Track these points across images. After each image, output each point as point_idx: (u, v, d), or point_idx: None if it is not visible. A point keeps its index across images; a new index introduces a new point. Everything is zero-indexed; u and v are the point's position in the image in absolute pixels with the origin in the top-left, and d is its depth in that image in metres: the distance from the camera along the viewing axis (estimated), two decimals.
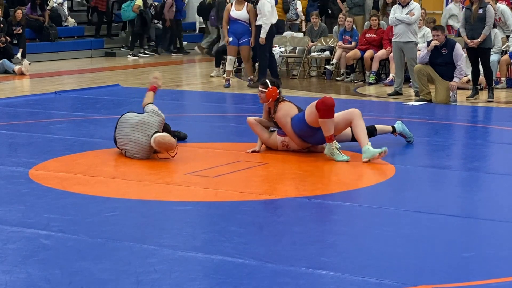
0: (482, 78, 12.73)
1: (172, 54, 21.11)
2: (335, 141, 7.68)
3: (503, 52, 14.05)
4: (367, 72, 14.94)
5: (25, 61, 16.74)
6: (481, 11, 12.13)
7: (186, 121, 9.96)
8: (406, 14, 12.53)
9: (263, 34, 13.63)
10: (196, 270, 4.63)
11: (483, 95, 12.60)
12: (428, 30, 13.81)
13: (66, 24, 20.73)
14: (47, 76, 15.93)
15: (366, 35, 15.15)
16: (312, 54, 16.03)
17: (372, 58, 14.76)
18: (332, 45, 15.86)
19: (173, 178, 7.10)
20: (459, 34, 13.04)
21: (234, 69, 15.87)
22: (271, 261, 4.71)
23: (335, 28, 16.16)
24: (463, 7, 14.54)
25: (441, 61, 11.80)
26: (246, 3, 13.99)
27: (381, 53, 14.72)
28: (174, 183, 6.83)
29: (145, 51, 20.46)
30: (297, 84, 14.85)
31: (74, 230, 5.35)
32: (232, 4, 14.10)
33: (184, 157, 7.71)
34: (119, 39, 21.55)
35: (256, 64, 14.84)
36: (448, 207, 6.09)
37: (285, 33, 16.94)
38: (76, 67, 17.66)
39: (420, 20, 13.53)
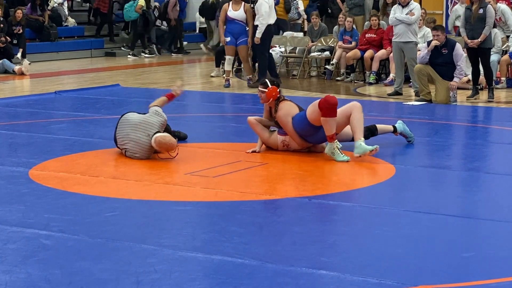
0: (482, 78, 12.73)
1: (172, 54, 21.12)
2: (336, 140, 7.69)
3: (503, 52, 14.05)
4: (367, 72, 14.94)
5: (25, 61, 16.74)
6: (481, 11, 12.13)
7: (186, 121, 9.96)
8: (406, 14, 12.53)
9: (258, 34, 13.66)
10: (196, 270, 4.63)
11: (483, 95, 12.60)
12: (428, 30, 13.81)
13: (66, 24, 20.74)
14: (47, 76, 15.93)
15: (366, 35, 15.15)
16: (312, 54, 16.03)
17: (372, 58, 14.76)
18: (332, 45, 15.86)
19: (173, 178, 7.10)
20: (459, 34, 13.04)
21: (234, 69, 15.88)
22: (271, 261, 4.71)
23: (335, 28, 16.16)
24: None
25: (441, 61, 11.80)
26: (243, 3, 14.00)
27: (381, 53, 14.72)
28: (174, 183, 6.83)
29: (147, 51, 20.44)
30: (297, 84, 14.85)
31: (74, 230, 5.35)
32: (229, 4, 14.11)
33: (184, 157, 7.71)
34: (119, 39, 21.55)
35: (256, 64, 14.85)
36: (448, 207, 6.09)
37: (285, 33, 16.93)
38: (76, 67, 17.66)
39: (420, 20, 13.53)
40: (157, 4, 21.38)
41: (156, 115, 7.79)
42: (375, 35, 15.05)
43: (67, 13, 20.94)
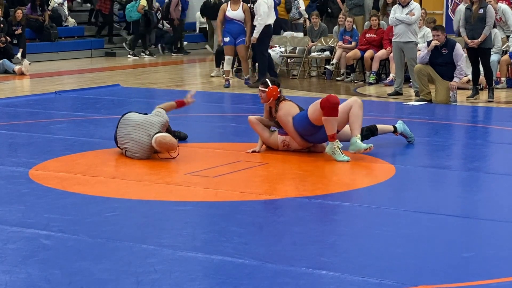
0: (482, 78, 12.73)
1: (172, 54, 21.13)
2: (337, 140, 7.69)
3: (503, 52, 14.05)
4: (367, 72, 14.94)
5: (25, 61, 16.74)
6: (481, 11, 12.13)
7: (186, 121, 9.95)
8: (406, 14, 12.53)
9: (255, 34, 13.69)
10: (196, 270, 4.63)
11: (483, 95, 12.59)
12: (428, 30, 13.81)
13: (66, 24, 20.73)
14: (47, 76, 15.93)
15: (366, 35, 15.15)
16: (312, 54, 16.03)
17: (372, 58, 14.76)
18: (332, 45, 15.86)
19: (173, 178, 7.10)
20: (459, 34, 13.04)
21: (234, 69, 15.87)
22: (271, 261, 4.71)
23: (335, 28, 16.16)
24: None
25: (441, 61, 11.80)
26: (241, 2, 14.00)
27: (381, 53, 14.72)
28: (174, 183, 6.83)
29: (147, 52, 20.43)
30: (297, 84, 14.85)
31: (74, 230, 5.35)
32: (227, 4, 14.11)
33: (184, 157, 7.71)
34: (119, 39, 21.54)
35: (256, 64, 14.85)
36: (448, 207, 6.09)
37: (285, 33, 16.93)
38: (76, 67, 17.66)
39: (420, 20, 13.53)
40: (158, 4, 21.37)
41: (157, 115, 7.79)
42: (375, 35, 15.05)
43: (67, 13, 20.94)
